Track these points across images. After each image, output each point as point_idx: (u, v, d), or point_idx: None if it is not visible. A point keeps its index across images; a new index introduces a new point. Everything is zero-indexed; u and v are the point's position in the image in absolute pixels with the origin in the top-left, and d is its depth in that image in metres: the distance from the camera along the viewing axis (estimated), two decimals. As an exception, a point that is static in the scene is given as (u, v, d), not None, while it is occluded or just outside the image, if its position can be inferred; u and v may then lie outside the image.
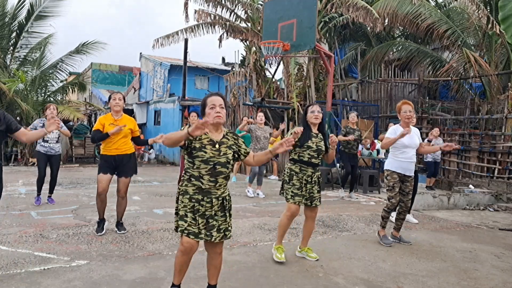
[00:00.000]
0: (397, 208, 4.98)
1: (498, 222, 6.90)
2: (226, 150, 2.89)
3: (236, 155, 2.98)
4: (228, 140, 2.94)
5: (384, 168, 5.02)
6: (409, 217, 6.21)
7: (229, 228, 2.94)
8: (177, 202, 2.92)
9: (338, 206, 7.36)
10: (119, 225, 5.03)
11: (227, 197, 2.94)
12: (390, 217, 5.28)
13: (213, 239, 2.83)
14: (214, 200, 2.84)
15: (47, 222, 5.36)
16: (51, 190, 6.76)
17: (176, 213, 2.88)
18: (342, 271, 3.89)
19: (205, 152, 2.81)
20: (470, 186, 9.99)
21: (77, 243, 4.46)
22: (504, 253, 4.78)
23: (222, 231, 2.87)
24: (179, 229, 2.83)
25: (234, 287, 3.42)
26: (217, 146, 2.85)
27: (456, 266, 4.20)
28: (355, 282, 3.63)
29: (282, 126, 7.47)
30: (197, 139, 2.84)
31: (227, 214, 2.91)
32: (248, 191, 8.10)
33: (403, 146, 4.80)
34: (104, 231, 4.87)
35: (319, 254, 4.32)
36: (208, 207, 2.82)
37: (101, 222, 4.93)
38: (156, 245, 4.48)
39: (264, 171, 8.39)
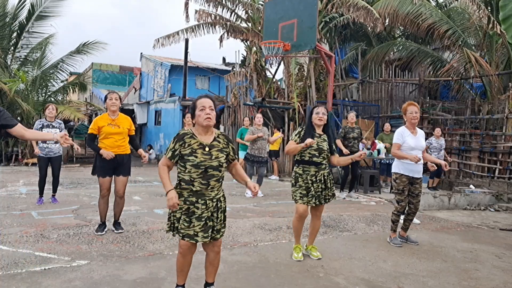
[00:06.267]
0: (406, 209, 5.00)
1: (498, 222, 6.90)
2: (218, 154, 2.88)
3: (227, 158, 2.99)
4: (219, 143, 2.93)
5: (392, 171, 5.02)
6: None
7: (222, 229, 2.96)
8: None
9: (339, 206, 7.35)
10: (117, 224, 5.06)
11: (221, 198, 2.95)
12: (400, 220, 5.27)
13: (210, 239, 2.87)
14: (208, 202, 2.85)
15: (48, 222, 5.36)
16: (54, 190, 6.79)
17: (170, 215, 2.93)
18: (342, 271, 3.89)
19: (196, 157, 2.81)
20: (471, 186, 9.98)
21: (78, 243, 4.47)
22: (505, 253, 4.77)
23: (215, 232, 2.90)
24: (175, 231, 2.89)
25: (235, 287, 3.42)
26: (207, 149, 2.84)
27: (457, 266, 4.19)
28: (355, 282, 3.63)
29: (280, 134, 7.47)
30: (186, 145, 2.84)
31: (221, 216, 2.93)
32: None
33: (410, 149, 4.81)
34: (104, 232, 4.89)
35: (320, 254, 4.33)
36: (204, 209, 2.83)
37: (102, 224, 4.96)
38: (156, 245, 4.48)
39: (265, 172, 8.39)
